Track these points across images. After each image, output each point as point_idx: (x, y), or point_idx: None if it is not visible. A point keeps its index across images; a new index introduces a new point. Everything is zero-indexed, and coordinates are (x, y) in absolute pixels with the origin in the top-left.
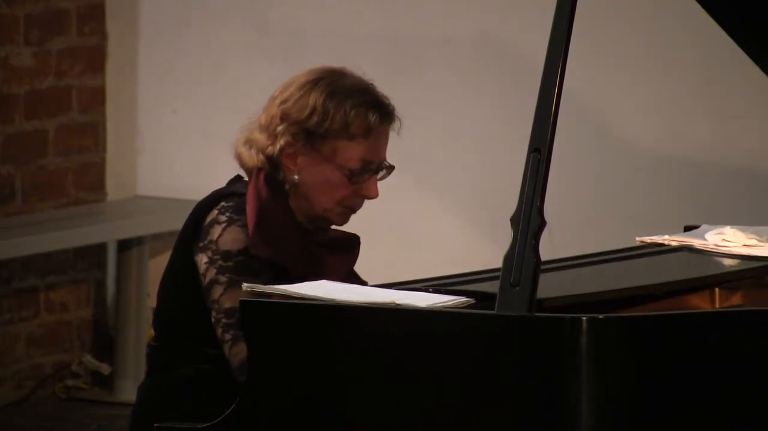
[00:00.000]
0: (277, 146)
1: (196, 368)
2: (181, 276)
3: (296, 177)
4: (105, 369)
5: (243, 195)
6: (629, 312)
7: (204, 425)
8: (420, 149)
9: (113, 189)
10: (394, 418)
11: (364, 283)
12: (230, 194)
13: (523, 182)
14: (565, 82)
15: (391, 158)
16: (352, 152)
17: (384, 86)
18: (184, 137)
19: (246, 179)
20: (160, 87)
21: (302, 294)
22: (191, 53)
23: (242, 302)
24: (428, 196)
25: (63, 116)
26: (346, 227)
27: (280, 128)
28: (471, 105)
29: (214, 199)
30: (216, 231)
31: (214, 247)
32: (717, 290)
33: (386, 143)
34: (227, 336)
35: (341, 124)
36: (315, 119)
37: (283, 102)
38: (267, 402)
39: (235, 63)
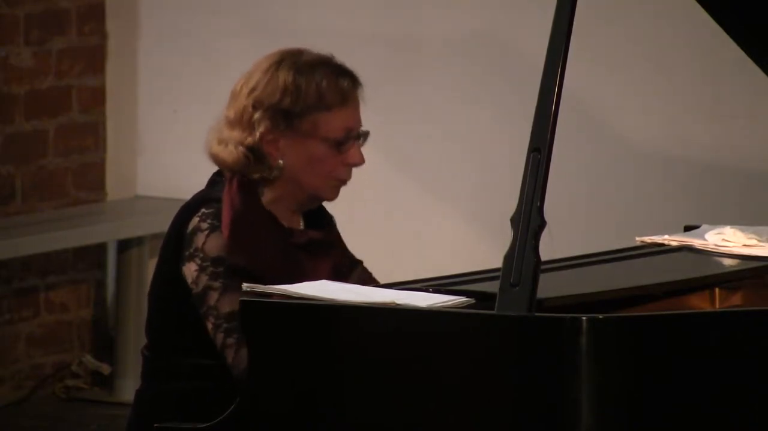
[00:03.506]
0: (257, 135)
1: (188, 382)
2: (167, 286)
3: (281, 162)
4: (105, 369)
5: (221, 200)
6: (629, 312)
7: (204, 425)
8: (420, 148)
9: (113, 189)
10: (394, 418)
11: (357, 262)
12: (210, 199)
13: (523, 182)
14: (565, 82)
15: (391, 158)
16: (333, 122)
17: (384, 86)
18: (184, 137)
19: (226, 175)
20: (160, 87)
21: (302, 294)
22: (191, 53)
23: (242, 302)
24: (428, 195)
25: (63, 116)
26: (341, 218)
27: (256, 116)
28: (471, 105)
29: (194, 206)
30: (200, 239)
31: (202, 254)
32: (717, 290)
33: (359, 109)
34: (230, 341)
35: (315, 96)
36: (288, 98)
37: (251, 91)
38: (267, 402)
39: (235, 63)
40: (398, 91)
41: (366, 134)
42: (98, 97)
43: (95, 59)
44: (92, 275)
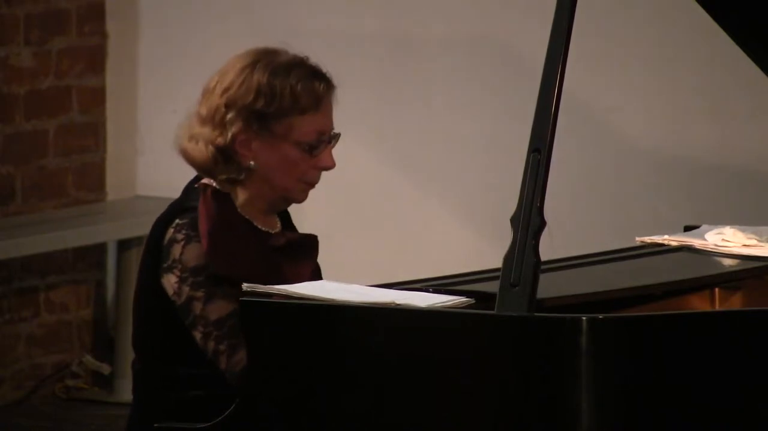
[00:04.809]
0: (228, 135)
1: (182, 392)
2: (151, 298)
3: (252, 163)
4: (105, 369)
5: (196, 209)
6: (629, 312)
7: (204, 425)
8: (420, 149)
9: (113, 189)
10: (393, 418)
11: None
12: (183, 209)
13: (523, 182)
14: (565, 82)
15: (391, 158)
16: (306, 126)
17: (384, 86)
18: None
19: (201, 179)
20: (160, 87)
21: (302, 294)
22: (191, 53)
23: (242, 302)
24: (428, 196)
25: (63, 116)
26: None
27: (229, 116)
28: (471, 105)
29: (168, 217)
30: (177, 250)
31: (180, 265)
32: (717, 290)
33: (332, 112)
34: (222, 347)
35: (290, 100)
36: (262, 99)
37: (225, 90)
38: (266, 402)
39: None
40: (398, 92)
41: (337, 136)
42: (98, 97)
43: (95, 59)
44: (92, 275)
